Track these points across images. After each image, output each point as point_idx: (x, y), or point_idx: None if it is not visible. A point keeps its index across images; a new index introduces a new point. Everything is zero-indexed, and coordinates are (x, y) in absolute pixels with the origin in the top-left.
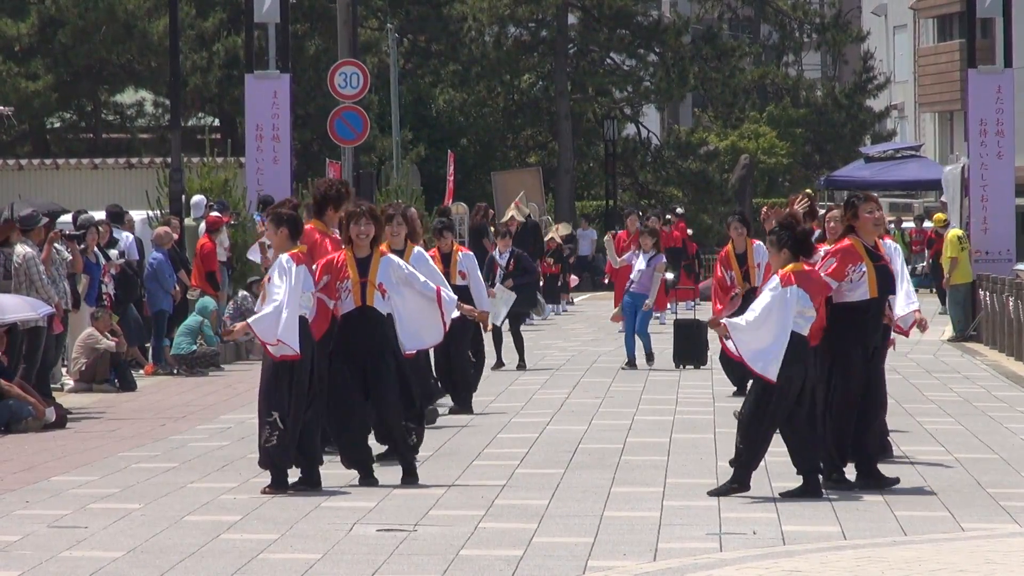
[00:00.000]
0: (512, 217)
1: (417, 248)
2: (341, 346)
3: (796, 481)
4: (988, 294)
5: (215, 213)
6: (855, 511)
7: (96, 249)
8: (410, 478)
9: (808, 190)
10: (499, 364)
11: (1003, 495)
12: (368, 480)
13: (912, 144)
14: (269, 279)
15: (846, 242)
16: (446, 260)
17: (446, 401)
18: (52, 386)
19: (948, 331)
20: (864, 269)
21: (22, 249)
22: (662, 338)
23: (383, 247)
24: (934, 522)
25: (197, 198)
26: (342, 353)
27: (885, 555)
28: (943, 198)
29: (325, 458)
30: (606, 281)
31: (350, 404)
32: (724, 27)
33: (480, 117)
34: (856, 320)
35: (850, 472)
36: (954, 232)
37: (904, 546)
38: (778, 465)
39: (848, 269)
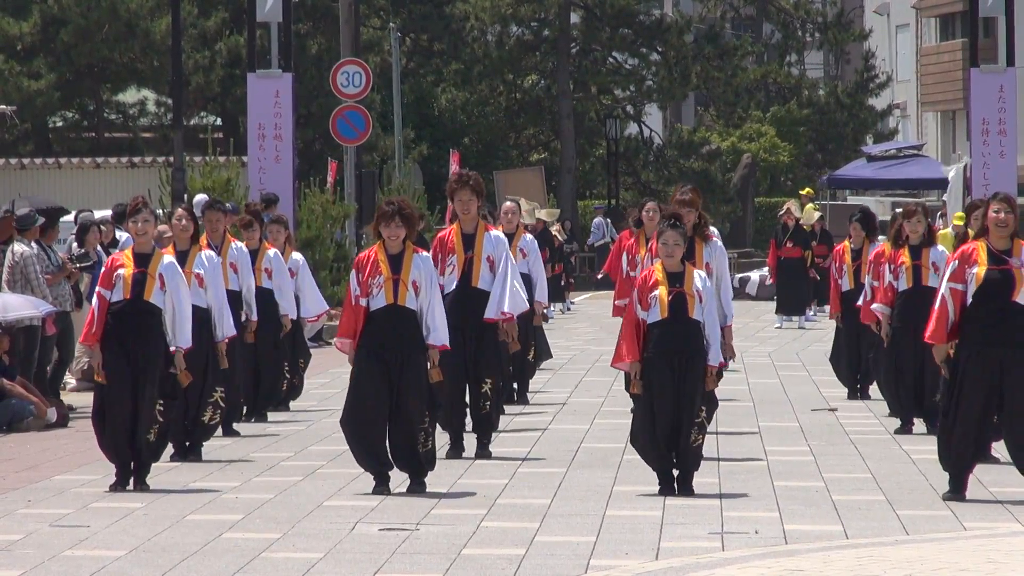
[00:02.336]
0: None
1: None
2: (369, 343)
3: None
4: None
5: None
6: (857, 510)
7: (99, 248)
8: (417, 487)
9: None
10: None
11: (1005, 494)
12: (382, 486)
13: (914, 143)
14: None
15: (971, 243)
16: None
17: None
18: None
19: None
20: (975, 271)
21: (19, 248)
22: None
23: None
24: (936, 521)
25: (199, 197)
26: (369, 350)
27: (887, 554)
28: (945, 197)
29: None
30: (599, 277)
31: (372, 404)
32: (726, 26)
33: (482, 116)
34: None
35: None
36: (945, 232)
37: (906, 545)
38: (780, 465)
39: (964, 271)
